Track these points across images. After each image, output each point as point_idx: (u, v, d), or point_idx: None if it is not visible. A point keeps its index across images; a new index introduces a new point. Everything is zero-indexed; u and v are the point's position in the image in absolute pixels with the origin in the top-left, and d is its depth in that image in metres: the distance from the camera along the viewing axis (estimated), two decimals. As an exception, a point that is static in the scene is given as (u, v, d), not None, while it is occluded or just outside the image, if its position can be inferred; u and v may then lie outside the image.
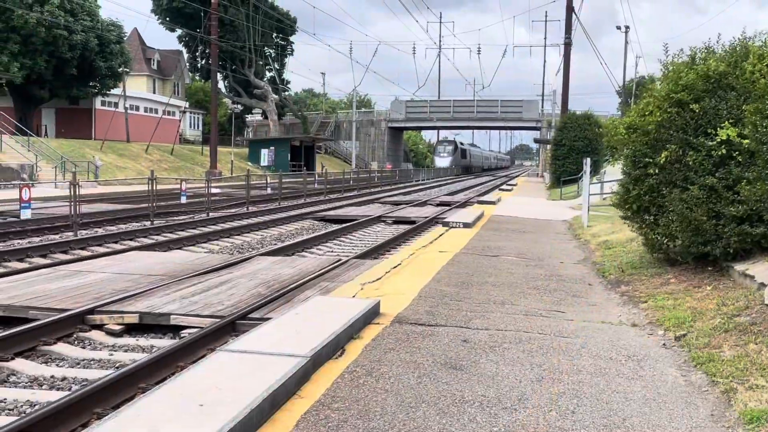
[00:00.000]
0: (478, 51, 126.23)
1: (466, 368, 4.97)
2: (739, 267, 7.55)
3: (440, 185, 50.84)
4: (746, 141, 7.66)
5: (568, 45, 41.78)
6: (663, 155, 8.58)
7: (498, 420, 4.02)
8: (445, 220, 16.80)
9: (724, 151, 7.96)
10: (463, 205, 26.80)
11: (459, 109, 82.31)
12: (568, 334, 6.07)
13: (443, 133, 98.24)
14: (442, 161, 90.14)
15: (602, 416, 4.14)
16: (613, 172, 25.92)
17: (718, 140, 7.96)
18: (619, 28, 67.60)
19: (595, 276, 9.54)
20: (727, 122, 8.02)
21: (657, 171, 8.77)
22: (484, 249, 11.84)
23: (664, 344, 5.86)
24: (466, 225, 15.63)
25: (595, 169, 30.87)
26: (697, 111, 8.44)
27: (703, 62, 9.01)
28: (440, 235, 13.90)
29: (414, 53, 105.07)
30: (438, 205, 27.40)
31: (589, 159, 18.38)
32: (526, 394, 4.47)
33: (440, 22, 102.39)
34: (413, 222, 19.79)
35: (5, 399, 5.49)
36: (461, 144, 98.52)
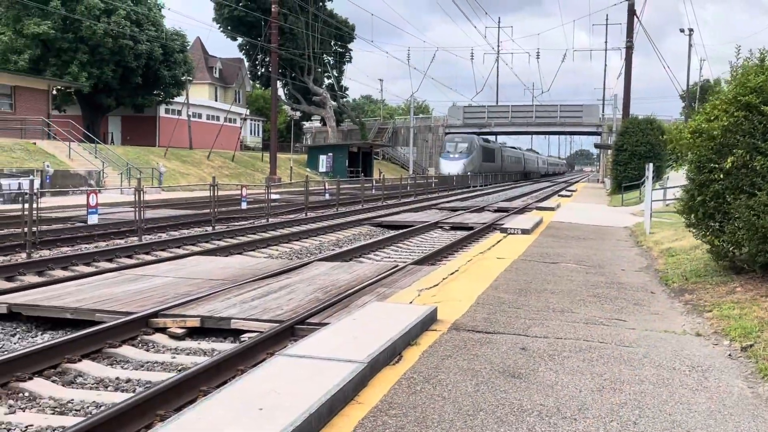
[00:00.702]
0: (537, 56, 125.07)
1: (525, 377, 4.92)
2: (810, 276, 7.29)
3: (498, 191, 50.48)
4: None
5: (629, 48, 41.10)
6: (729, 160, 8.34)
7: (557, 430, 3.97)
8: (503, 226, 16.66)
9: (793, 156, 7.71)
10: (522, 211, 26.54)
11: (517, 114, 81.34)
12: (630, 343, 5.95)
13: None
14: (451, 165, 64.17)
15: (665, 428, 4.05)
16: (677, 177, 25.35)
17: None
18: (682, 30, 65.78)
19: (658, 284, 9.33)
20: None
21: (723, 177, 8.54)
22: (542, 256, 11.70)
23: (729, 355, 5.70)
24: (525, 231, 15.48)
25: (658, 175, 30.19)
26: (767, 113, 8.18)
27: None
28: (498, 242, 13.80)
29: (472, 59, 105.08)
30: (496, 211, 27.20)
31: (651, 164, 17.97)
32: (587, 404, 4.40)
33: (498, 27, 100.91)
34: (471, 228, 19.69)
35: (72, 399, 5.67)
36: (485, 141, 73.04)
